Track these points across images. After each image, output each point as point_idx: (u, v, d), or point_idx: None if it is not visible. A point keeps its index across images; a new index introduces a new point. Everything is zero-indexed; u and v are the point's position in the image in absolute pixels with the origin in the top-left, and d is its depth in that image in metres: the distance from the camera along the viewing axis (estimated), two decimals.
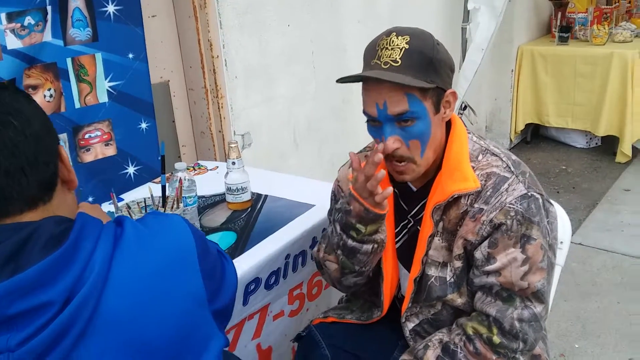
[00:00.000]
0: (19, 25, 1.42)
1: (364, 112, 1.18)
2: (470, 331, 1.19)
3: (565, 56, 4.20)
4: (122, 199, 1.74)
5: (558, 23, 4.33)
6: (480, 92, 4.04)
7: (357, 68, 1.19)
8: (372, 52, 1.16)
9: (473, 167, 1.20)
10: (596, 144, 4.40)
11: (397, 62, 1.11)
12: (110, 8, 1.65)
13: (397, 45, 1.12)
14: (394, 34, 1.14)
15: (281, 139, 2.56)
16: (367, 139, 1.27)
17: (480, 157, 1.22)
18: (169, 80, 2.24)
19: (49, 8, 1.48)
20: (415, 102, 1.12)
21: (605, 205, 3.43)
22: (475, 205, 1.18)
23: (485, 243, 1.17)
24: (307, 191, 1.75)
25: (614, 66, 3.97)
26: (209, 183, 1.85)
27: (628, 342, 2.25)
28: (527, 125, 4.52)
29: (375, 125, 1.18)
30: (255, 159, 2.35)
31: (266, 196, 1.75)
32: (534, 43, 4.47)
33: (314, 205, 1.66)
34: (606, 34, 4.17)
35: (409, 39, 1.12)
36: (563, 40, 4.27)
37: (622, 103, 3.97)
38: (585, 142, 4.42)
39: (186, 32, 2.21)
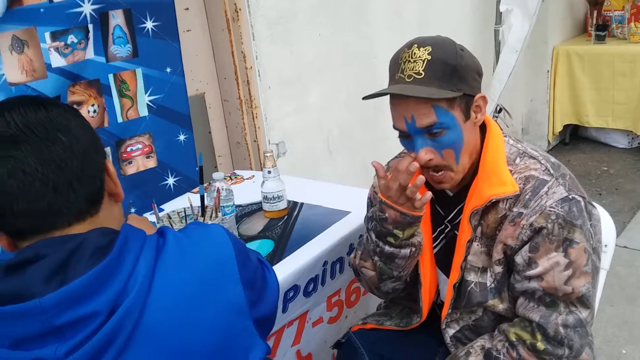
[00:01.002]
0: (62, 43, 1.48)
1: (394, 127, 1.19)
2: (513, 337, 1.17)
3: (603, 55, 4.11)
4: (163, 209, 1.79)
5: (594, 22, 4.24)
6: (516, 94, 3.98)
7: (387, 75, 1.20)
8: (396, 66, 1.16)
9: (511, 171, 1.19)
10: (638, 143, 4.28)
11: (421, 74, 1.11)
12: (149, 24, 1.70)
13: (419, 57, 1.12)
14: (415, 45, 1.14)
15: (314, 148, 2.58)
16: (398, 146, 1.28)
17: (517, 161, 1.21)
18: (204, 93, 2.28)
19: (90, 26, 1.53)
20: (443, 113, 1.12)
21: None
22: (514, 209, 1.16)
23: (526, 247, 1.15)
24: (342, 198, 1.76)
25: None
26: (245, 192, 1.88)
27: None
28: (566, 127, 4.43)
29: (407, 139, 1.18)
30: (289, 168, 2.37)
31: (302, 204, 1.77)
32: (569, 43, 4.38)
33: (349, 212, 1.66)
34: None
35: (430, 49, 1.12)
36: (600, 39, 4.18)
37: None
38: (627, 142, 4.30)
39: (220, 45, 2.26)
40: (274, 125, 2.36)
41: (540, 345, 1.14)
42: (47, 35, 1.45)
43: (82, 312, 0.69)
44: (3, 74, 1.37)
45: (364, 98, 1.19)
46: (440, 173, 1.18)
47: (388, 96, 1.18)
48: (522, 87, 4.08)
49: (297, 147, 2.46)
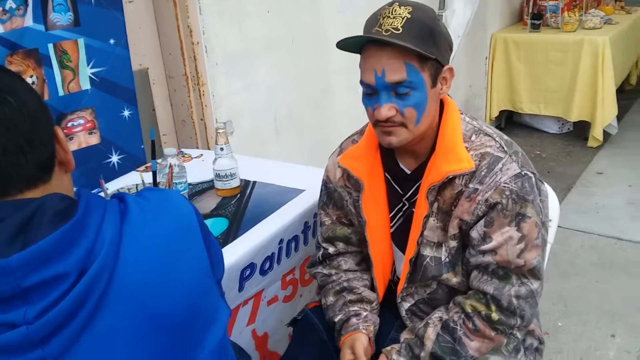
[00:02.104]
0: (0, 9, 1.37)
1: (361, 82, 1.18)
2: (468, 309, 1.20)
3: (537, 43, 4.27)
4: (107, 188, 1.71)
5: (530, 10, 4.40)
6: (456, 79, 4.03)
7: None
8: (374, 20, 1.16)
9: (467, 148, 1.21)
10: (568, 129, 4.50)
11: (399, 29, 1.12)
12: None
13: (400, 14, 1.13)
14: (397, 4, 1.15)
15: (262, 127, 2.54)
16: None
17: (473, 138, 1.23)
18: (147, 68, 2.19)
19: None
20: (414, 72, 1.13)
21: (579, 189, 3.52)
22: (470, 186, 1.19)
23: (481, 222, 1.18)
24: (294, 177, 1.75)
25: (584, 52, 4.05)
26: (194, 171, 1.83)
27: (609, 319, 2.32)
28: (501, 112, 4.59)
29: (371, 96, 1.18)
30: (237, 147, 2.32)
31: (255, 182, 1.74)
32: (506, 30, 4.53)
33: (303, 190, 1.65)
34: (577, 20, 4.26)
35: (411, 9, 1.14)
36: (535, 28, 4.34)
37: (593, 89, 4.05)
38: (557, 127, 4.51)
39: (165, 18, 2.16)
40: (221, 104, 2.30)
41: (495, 315, 1.18)
42: None
43: (51, 273, 0.67)
44: None
45: (337, 44, 1.15)
46: (396, 127, 1.17)
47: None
48: (462, 72, 4.18)
49: (244, 126, 2.41)
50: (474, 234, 1.19)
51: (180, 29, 2.15)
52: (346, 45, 1.16)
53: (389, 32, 1.12)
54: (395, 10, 1.14)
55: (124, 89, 1.78)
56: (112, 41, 1.70)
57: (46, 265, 0.67)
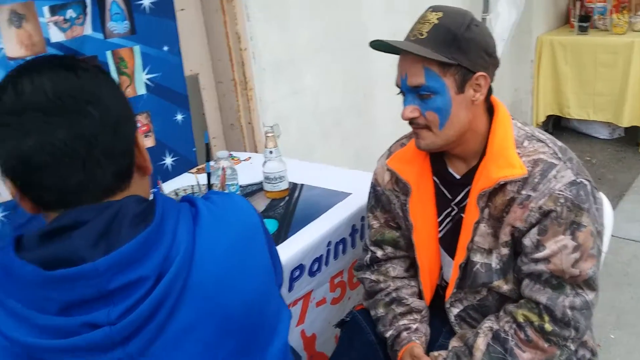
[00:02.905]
0: (61, 18, 1.44)
1: (395, 84, 1.23)
2: (520, 319, 1.19)
3: (585, 46, 4.16)
4: (158, 190, 1.76)
5: (577, 12, 4.29)
6: (501, 83, 4.01)
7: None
8: (413, 25, 1.19)
9: (519, 154, 1.19)
10: (619, 134, 4.36)
11: (423, 35, 1.14)
12: (146, 1, 1.66)
13: (429, 20, 1.16)
14: (431, 9, 1.17)
15: (308, 131, 2.57)
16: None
17: (526, 144, 1.21)
18: (198, 74, 2.24)
19: (88, 1, 1.49)
20: (433, 77, 1.14)
21: (632, 196, 3.40)
22: (523, 192, 1.17)
23: (535, 230, 1.17)
24: (340, 180, 1.76)
25: (635, 55, 3.91)
26: (243, 173, 1.86)
27: None
28: (549, 117, 4.49)
29: (403, 96, 1.22)
30: (284, 150, 2.36)
31: (302, 185, 1.76)
32: (553, 33, 4.43)
33: (350, 194, 1.67)
34: (626, 22, 4.13)
35: (441, 15, 1.15)
36: (583, 30, 4.23)
37: None
38: (608, 132, 4.38)
39: (214, 25, 2.22)
40: (268, 108, 2.34)
41: (548, 326, 1.16)
42: (45, 9, 1.40)
43: (133, 276, 0.69)
44: (2, 48, 1.32)
45: (370, 44, 1.20)
46: (421, 129, 1.21)
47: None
48: (507, 76, 4.12)
49: (291, 129, 2.45)
50: (527, 241, 1.18)
51: (229, 36, 2.19)
52: (381, 47, 1.20)
53: (415, 38, 1.15)
54: (427, 16, 1.17)
55: (176, 94, 1.84)
56: (165, 48, 1.76)
57: (129, 268, 0.69)
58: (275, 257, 0.89)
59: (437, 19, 1.14)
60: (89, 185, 0.72)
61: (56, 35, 1.44)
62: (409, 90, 1.18)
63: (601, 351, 2.00)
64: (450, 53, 1.12)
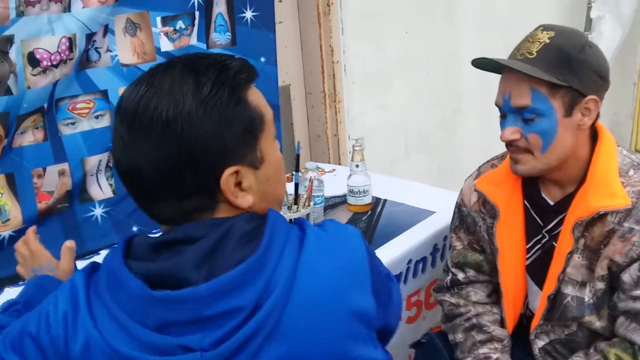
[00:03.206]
0: (171, 29, 1.53)
1: (495, 104, 1.18)
2: (612, 358, 1.13)
3: None
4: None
5: None
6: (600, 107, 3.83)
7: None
8: (518, 45, 1.15)
9: (623, 183, 1.14)
10: None
11: (533, 54, 1.09)
12: (248, 14, 1.73)
13: (539, 39, 1.11)
14: (541, 28, 1.13)
15: (393, 146, 2.57)
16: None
17: (631, 173, 1.15)
18: (289, 84, 2.31)
19: (196, 13, 1.58)
20: (541, 99, 1.09)
21: None
22: (625, 225, 1.11)
23: (635, 265, 1.11)
24: (424, 197, 1.74)
25: None
26: (328, 185, 1.88)
27: None
28: None
29: (503, 117, 1.17)
30: (368, 164, 2.37)
31: (385, 200, 1.76)
32: None
33: (434, 212, 1.65)
34: None
35: (553, 34, 1.11)
36: None
37: None
38: None
39: (309, 38, 2.28)
40: (355, 121, 2.37)
41: None
42: (158, 19, 1.50)
43: (231, 306, 0.69)
44: (116, 55, 1.43)
45: (472, 62, 1.16)
46: (520, 153, 1.15)
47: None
48: (606, 99, 3.88)
49: (376, 144, 2.46)
50: (626, 277, 1.12)
51: (323, 49, 2.25)
52: (483, 65, 1.17)
53: (523, 57, 1.10)
54: (537, 34, 1.12)
55: (270, 105, 1.89)
56: (262, 59, 1.82)
57: (227, 297, 0.69)
58: (385, 298, 0.84)
59: (549, 38, 1.10)
60: (208, 209, 0.74)
61: (165, 45, 1.54)
62: (511, 111, 1.13)
63: None
64: (562, 74, 1.08)
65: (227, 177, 0.72)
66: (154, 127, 0.69)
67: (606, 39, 3.21)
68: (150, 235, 0.76)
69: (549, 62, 1.08)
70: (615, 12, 3.17)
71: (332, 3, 2.16)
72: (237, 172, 0.73)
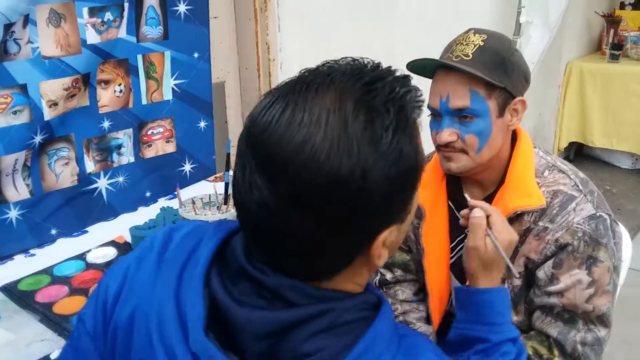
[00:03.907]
0: (99, 20, 1.47)
1: (428, 106, 1.18)
2: (530, 351, 1.17)
3: (616, 74, 4.13)
4: (175, 196, 1.78)
5: (610, 40, 4.26)
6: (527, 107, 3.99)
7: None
8: (449, 47, 1.17)
9: (538, 184, 1.19)
10: None
11: (469, 56, 1.11)
12: (182, 7, 1.69)
13: (473, 41, 1.13)
14: (472, 31, 1.16)
15: None
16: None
17: (546, 173, 1.21)
18: (224, 81, 2.28)
19: (126, 5, 1.52)
20: (478, 100, 1.12)
21: None
22: (540, 224, 1.17)
23: (549, 263, 1.16)
24: None
25: None
26: None
27: None
28: (571, 144, 4.45)
29: (436, 119, 1.18)
30: None
31: None
32: (583, 59, 4.40)
33: None
34: None
35: (485, 37, 1.14)
36: (614, 58, 4.20)
37: None
38: (630, 163, 4.33)
39: (245, 34, 2.25)
40: None
41: None
42: (85, 10, 1.43)
43: None
44: (38, 47, 1.36)
45: (408, 65, 1.16)
46: (454, 153, 1.17)
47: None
48: (532, 100, 4.07)
49: None
50: (541, 274, 1.17)
51: (259, 46, 2.22)
52: (417, 68, 1.17)
53: (459, 59, 1.12)
54: (469, 37, 1.14)
55: (202, 101, 1.86)
56: (196, 55, 1.79)
57: None
58: None
59: (482, 40, 1.13)
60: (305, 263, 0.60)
61: (92, 37, 1.47)
62: (448, 113, 1.13)
63: None
64: (498, 76, 1.11)
65: (382, 241, 0.61)
66: (317, 188, 0.54)
67: (534, 44, 3.36)
68: (249, 252, 0.63)
69: (485, 64, 1.11)
70: (543, 18, 3.32)
71: (269, 0, 2.15)
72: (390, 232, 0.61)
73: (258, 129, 0.58)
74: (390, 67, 0.63)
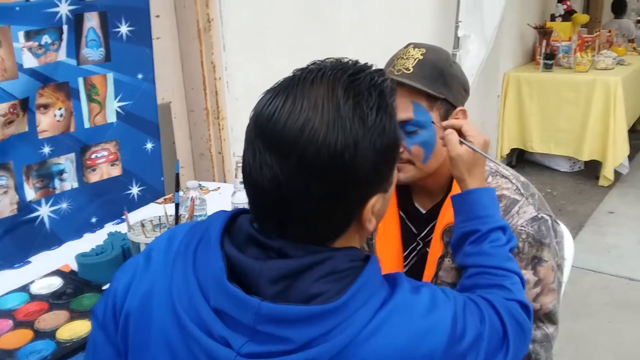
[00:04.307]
0: (36, 44, 1.43)
1: None
2: None
3: (549, 83, 4.33)
4: (123, 220, 1.74)
5: (543, 51, 4.47)
6: (469, 117, 4.12)
7: None
8: (390, 62, 1.20)
9: None
10: (579, 167, 4.51)
11: (409, 70, 1.14)
12: (124, 29, 1.67)
13: (412, 55, 1.17)
14: (412, 46, 1.19)
15: None
16: None
17: (490, 179, 1.25)
18: (170, 102, 2.25)
19: (65, 27, 1.49)
20: (421, 112, 1.14)
21: (591, 227, 3.52)
22: None
23: None
24: None
25: (596, 93, 4.10)
26: (213, 203, 1.86)
27: None
28: (513, 150, 4.62)
29: None
30: None
31: None
32: (519, 70, 4.60)
33: None
34: (589, 61, 4.32)
35: (424, 51, 1.17)
36: (547, 67, 4.41)
37: (604, 129, 4.09)
38: (569, 166, 4.53)
39: (190, 54, 2.24)
40: (239, 137, 2.34)
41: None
42: (20, 34, 1.39)
43: (282, 334, 0.67)
44: None
45: None
46: (402, 164, 1.19)
47: None
48: (474, 110, 4.23)
49: None
50: None
51: (204, 65, 2.22)
52: None
53: (400, 72, 1.15)
54: (409, 52, 1.18)
55: (148, 123, 1.83)
56: (140, 76, 1.76)
57: (284, 326, 0.67)
58: None
59: (421, 54, 1.16)
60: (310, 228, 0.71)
61: (29, 61, 1.43)
62: None
63: None
64: (438, 88, 1.14)
65: (371, 206, 0.72)
66: (319, 160, 0.66)
67: (472, 56, 3.48)
68: (253, 223, 0.73)
69: (425, 77, 1.14)
70: (480, 32, 3.45)
71: (212, 19, 2.15)
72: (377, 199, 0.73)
73: (264, 119, 0.69)
74: (366, 63, 0.76)
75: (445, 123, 1.12)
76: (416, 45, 1.19)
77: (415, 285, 0.76)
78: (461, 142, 1.08)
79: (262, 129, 0.69)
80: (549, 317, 1.19)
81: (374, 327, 0.68)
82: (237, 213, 0.77)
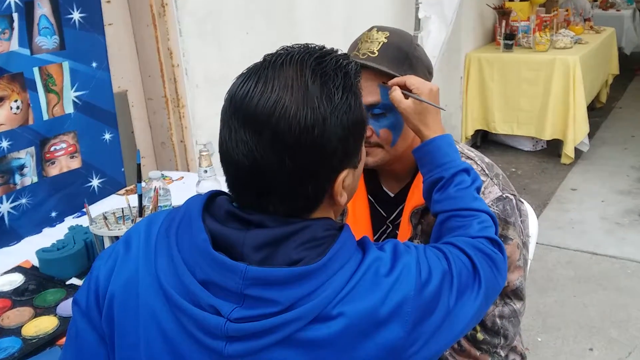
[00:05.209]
0: None
1: None
2: None
3: (510, 63, 4.38)
4: (84, 213, 1.69)
5: (502, 31, 4.52)
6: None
7: None
8: (354, 45, 1.19)
9: None
10: (542, 146, 4.60)
11: (375, 53, 1.14)
12: (76, 15, 1.60)
13: (377, 39, 1.16)
14: (375, 29, 1.18)
15: None
16: None
17: None
18: (127, 90, 2.19)
19: (15, 15, 1.42)
20: (388, 95, 1.13)
21: (554, 205, 3.60)
22: None
23: None
24: None
25: (556, 72, 4.16)
26: (177, 193, 1.82)
27: (587, 333, 2.37)
28: (477, 131, 4.68)
29: None
30: (217, 169, 2.33)
31: None
32: (480, 50, 4.64)
33: None
34: (548, 40, 4.38)
35: (388, 34, 1.16)
36: (508, 48, 4.45)
37: (565, 107, 4.16)
38: (531, 145, 4.61)
39: (145, 41, 2.17)
40: (201, 125, 2.31)
41: (480, 335, 1.20)
42: None
43: (269, 296, 0.71)
44: None
45: None
46: (370, 148, 1.19)
47: None
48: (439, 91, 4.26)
49: None
50: None
51: (161, 52, 2.16)
52: None
53: (365, 56, 1.14)
54: (373, 35, 1.17)
55: (105, 112, 1.78)
56: (94, 64, 1.70)
57: (270, 288, 0.71)
58: (432, 323, 0.78)
59: (385, 37, 1.15)
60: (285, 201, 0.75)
61: None
62: None
63: (530, 354, 2.08)
64: (404, 70, 1.14)
65: (341, 180, 0.78)
66: (291, 135, 0.71)
67: (434, 38, 3.49)
68: (232, 202, 0.78)
69: (391, 60, 1.13)
70: (440, 13, 3.46)
71: (166, 4, 2.08)
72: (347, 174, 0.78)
73: (239, 99, 0.74)
74: (332, 47, 0.82)
75: (389, 82, 1.12)
76: (380, 29, 1.18)
77: (379, 245, 0.82)
78: (406, 95, 1.09)
79: (237, 108, 0.74)
80: (516, 294, 1.21)
81: (350, 288, 0.74)
82: (215, 194, 0.81)
